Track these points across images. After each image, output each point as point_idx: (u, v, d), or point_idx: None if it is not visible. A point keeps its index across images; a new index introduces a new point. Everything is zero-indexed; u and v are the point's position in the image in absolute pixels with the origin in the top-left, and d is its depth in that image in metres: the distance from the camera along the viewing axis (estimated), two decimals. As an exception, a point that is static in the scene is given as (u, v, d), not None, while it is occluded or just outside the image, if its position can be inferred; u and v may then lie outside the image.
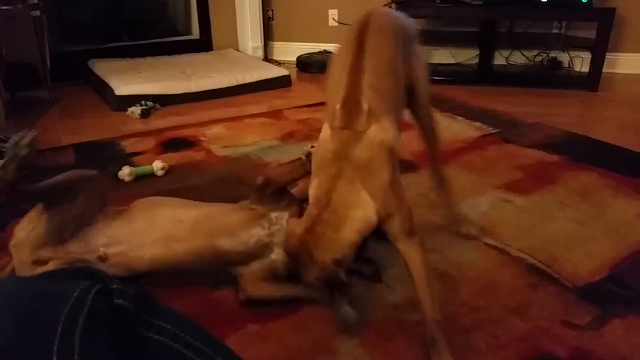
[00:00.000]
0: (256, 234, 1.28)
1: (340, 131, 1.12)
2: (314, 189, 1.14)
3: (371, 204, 1.09)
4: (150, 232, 1.26)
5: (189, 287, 1.34)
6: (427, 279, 1.14)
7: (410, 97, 1.34)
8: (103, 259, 1.24)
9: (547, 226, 1.64)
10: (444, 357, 1.09)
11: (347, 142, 1.11)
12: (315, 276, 1.11)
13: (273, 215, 1.31)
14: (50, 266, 1.22)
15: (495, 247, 1.52)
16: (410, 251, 1.14)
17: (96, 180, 1.31)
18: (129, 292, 0.66)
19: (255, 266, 1.29)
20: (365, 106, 1.13)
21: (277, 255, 1.29)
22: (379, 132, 1.12)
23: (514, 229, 1.62)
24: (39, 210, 1.24)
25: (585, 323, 1.21)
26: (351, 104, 1.14)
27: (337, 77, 1.20)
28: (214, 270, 1.32)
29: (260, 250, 1.29)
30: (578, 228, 1.62)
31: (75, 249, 1.24)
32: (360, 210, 1.09)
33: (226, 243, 1.27)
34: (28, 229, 1.23)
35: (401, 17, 1.36)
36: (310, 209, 1.12)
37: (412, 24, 1.39)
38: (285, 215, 1.31)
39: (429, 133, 1.46)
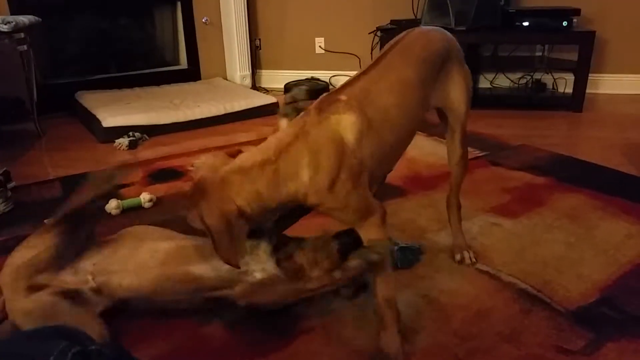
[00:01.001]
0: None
1: (312, 109, 1.15)
2: (267, 141, 1.15)
3: (305, 185, 1.08)
4: (129, 261, 1.28)
5: (177, 322, 1.32)
6: (385, 260, 1.15)
7: (442, 119, 1.42)
8: (96, 291, 1.24)
9: (537, 249, 1.63)
10: (391, 335, 1.13)
11: (311, 120, 1.12)
12: (214, 219, 1.07)
13: (247, 244, 1.28)
14: (44, 294, 1.20)
15: (487, 273, 1.51)
16: (368, 232, 1.15)
17: (95, 209, 1.35)
18: (107, 353, 0.64)
19: (243, 286, 1.27)
20: (343, 97, 1.15)
21: (261, 273, 1.26)
22: (339, 122, 1.11)
23: (504, 254, 1.61)
24: (43, 237, 1.24)
25: (578, 348, 1.20)
26: (334, 95, 1.18)
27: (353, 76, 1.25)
28: (189, 295, 1.30)
29: (237, 277, 1.26)
30: (568, 250, 1.62)
31: (69, 279, 1.24)
32: (292, 184, 1.09)
33: (197, 269, 1.27)
34: (29, 254, 1.23)
35: (440, 38, 1.36)
36: (255, 156, 1.12)
37: (454, 46, 1.40)
38: (262, 244, 1.30)
39: (456, 159, 1.50)
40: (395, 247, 1.56)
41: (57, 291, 1.22)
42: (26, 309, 1.18)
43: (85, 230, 1.29)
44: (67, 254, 1.25)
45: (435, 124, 1.55)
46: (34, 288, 1.21)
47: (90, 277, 1.25)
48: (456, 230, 1.61)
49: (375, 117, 1.15)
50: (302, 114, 1.18)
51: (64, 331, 0.67)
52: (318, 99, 1.19)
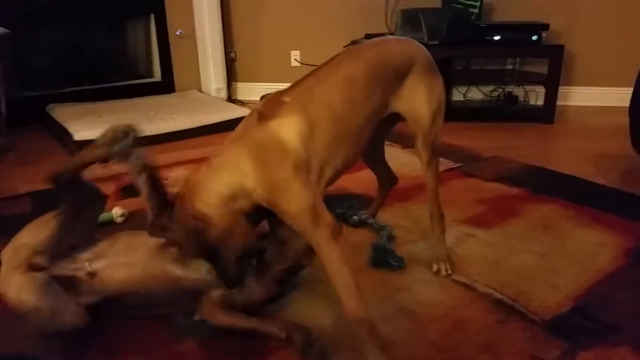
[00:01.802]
0: (205, 265, 1.29)
1: (255, 112, 1.21)
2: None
3: (252, 176, 1.12)
4: (122, 254, 1.32)
5: (151, 338, 1.29)
6: (344, 274, 1.12)
7: (412, 130, 1.45)
8: (92, 275, 1.27)
9: (511, 260, 1.65)
10: (373, 356, 1.10)
11: (253, 121, 1.18)
12: (182, 226, 1.15)
13: None
14: (38, 274, 1.23)
15: (463, 283, 1.52)
16: (321, 245, 1.13)
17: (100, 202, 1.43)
18: None
19: (215, 294, 1.31)
20: (287, 99, 1.21)
21: (237, 289, 1.29)
22: (281, 127, 1.16)
23: (479, 264, 1.62)
24: (49, 218, 1.28)
25: (553, 358, 1.21)
26: (282, 95, 1.23)
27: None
28: (174, 299, 1.32)
29: (218, 280, 1.26)
30: (541, 260, 1.64)
31: (66, 265, 1.28)
32: (238, 174, 1.13)
33: (178, 270, 1.30)
34: (35, 233, 1.28)
35: (400, 47, 1.42)
36: (199, 166, 1.19)
37: (420, 57, 1.43)
38: None
39: (423, 165, 1.51)
40: (371, 245, 1.63)
41: (53, 275, 1.25)
42: (21, 281, 1.20)
43: (87, 216, 1.34)
44: (68, 238, 1.29)
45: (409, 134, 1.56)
46: (32, 267, 1.23)
47: (87, 264, 1.28)
48: (437, 240, 1.61)
49: (320, 114, 1.20)
50: (246, 116, 1.24)
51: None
52: (263, 100, 1.26)
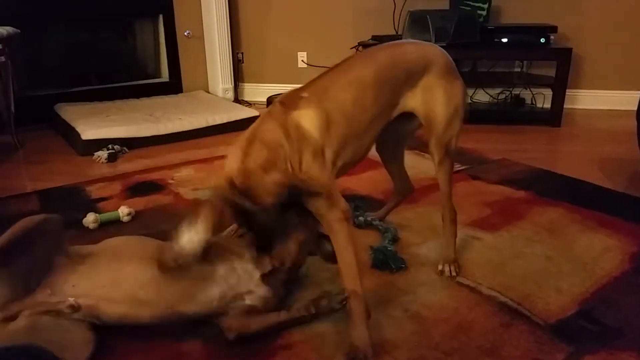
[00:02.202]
0: (215, 294, 1.26)
1: (277, 104, 1.31)
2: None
3: (284, 149, 1.23)
4: (116, 289, 1.23)
5: (155, 339, 1.29)
6: (348, 251, 1.23)
7: (427, 131, 1.48)
8: (75, 309, 1.20)
9: (516, 263, 1.64)
10: (359, 329, 1.19)
11: (278, 110, 1.29)
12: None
13: (222, 270, 1.28)
14: (21, 320, 1.17)
15: (467, 286, 1.52)
16: (332, 223, 1.24)
17: (47, 223, 1.25)
18: None
19: (234, 311, 1.27)
20: (305, 95, 1.32)
21: (251, 300, 1.28)
22: (302, 116, 1.28)
23: (484, 267, 1.62)
24: None
25: (558, 362, 1.20)
26: (300, 91, 1.34)
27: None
28: (184, 324, 1.30)
29: (229, 304, 1.27)
30: (547, 264, 1.64)
31: (44, 298, 1.20)
32: (283, 149, 1.23)
33: (189, 308, 1.25)
34: None
35: (416, 50, 1.47)
36: (234, 154, 1.25)
37: (437, 61, 1.47)
38: (249, 266, 1.30)
39: (438, 170, 1.54)
40: (371, 248, 1.65)
41: (34, 312, 1.18)
42: (7, 338, 1.14)
43: (43, 246, 1.23)
44: (29, 277, 1.20)
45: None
46: (8, 319, 1.17)
47: (72, 300, 1.21)
48: (446, 242, 1.62)
49: (333, 110, 1.31)
50: (269, 107, 1.33)
51: (33, 352, 0.65)
52: (283, 95, 1.35)
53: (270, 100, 3.98)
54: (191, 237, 1.16)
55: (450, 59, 1.51)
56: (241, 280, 1.29)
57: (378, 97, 1.38)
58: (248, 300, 1.28)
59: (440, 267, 1.58)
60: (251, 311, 1.28)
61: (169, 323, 1.26)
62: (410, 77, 1.44)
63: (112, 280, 1.23)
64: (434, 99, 1.46)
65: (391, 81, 1.41)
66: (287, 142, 1.24)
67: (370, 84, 1.37)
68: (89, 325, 1.22)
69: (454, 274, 1.56)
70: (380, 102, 1.40)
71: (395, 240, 1.75)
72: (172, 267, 1.17)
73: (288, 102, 1.31)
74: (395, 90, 1.43)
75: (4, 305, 1.18)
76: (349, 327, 1.22)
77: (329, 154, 1.30)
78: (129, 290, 1.23)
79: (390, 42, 1.50)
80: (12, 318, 1.17)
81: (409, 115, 1.50)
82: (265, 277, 1.31)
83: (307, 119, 1.28)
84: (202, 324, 1.30)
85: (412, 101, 1.46)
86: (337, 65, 1.41)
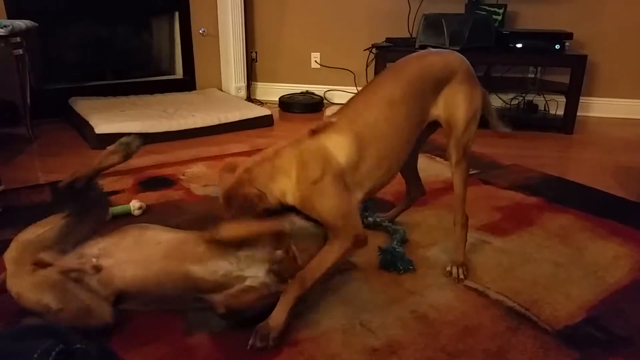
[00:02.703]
0: (224, 267, 1.31)
1: (308, 131, 1.38)
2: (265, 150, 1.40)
3: (293, 185, 1.31)
4: (134, 251, 1.32)
5: (162, 331, 1.31)
6: (329, 262, 1.29)
7: (447, 134, 1.53)
8: (98, 269, 1.27)
9: (525, 268, 1.64)
10: (280, 310, 1.25)
11: (305, 135, 1.37)
12: (238, 204, 1.32)
13: (242, 254, 1.32)
14: (48, 272, 1.24)
15: (475, 290, 1.52)
16: (336, 241, 1.30)
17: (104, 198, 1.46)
18: (92, 352, 0.63)
19: (232, 291, 1.30)
20: (334, 120, 1.38)
21: (252, 281, 1.31)
22: (328, 140, 1.35)
23: (493, 271, 1.62)
24: (54, 219, 1.30)
25: (565, 368, 1.20)
26: (330, 118, 1.40)
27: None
28: (186, 296, 1.33)
29: (232, 281, 1.31)
30: (556, 270, 1.63)
31: (73, 261, 1.28)
32: (284, 178, 1.32)
33: (196, 269, 1.30)
34: (37, 231, 1.28)
35: (440, 61, 1.50)
36: (255, 157, 1.38)
37: (460, 67, 1.51)
38: (258, 253, 1.32)
39: (455, 171, 1.56)
40: (379, 249, 1.66)
41: (62, 271, 1.25)
42: (35, 282, 1.22)
43: (92, 217, 1.34)
44: (73, 237, 1.29)
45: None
46: (39, 264, 1.24)
47: (94, 259, 1.29)
48: (456, 246, 1.62)
49: (364, 132, 1.37)
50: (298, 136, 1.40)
51: (49, 329, 0.66)
52: (317, 122, 1.40)
53: (282, 101, 3.99)
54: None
55: (470, 65, 1.55)
56: (251, 266, 1.32)
57: (410, 113, 1.43)
58: (248, 282, 1.31)
59: (448, 269, 1.58)
60: (247, 291, 1.31)
61: (173, 285, 1.30)
62: (436, 88, 1.48)
63: (132, 245, 1.32)
64: (455, 104, 1.50)
65: (421, 95, 1.45)
66: (294, 171, 1.31)
67: (401, 101, 1.41)
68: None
69: (462, 276, 1.56)
70: (412, 117, 1.45)
71: (404, 241, 1.75)
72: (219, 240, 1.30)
73: (318, 127, 1.37)
74: (425, 103, 1.47)
75: (40, 250, 1.25)
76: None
77: (357, 177, 1.36)
78: (143, 250, 1.31)
79: (414, 55, 1.52)
80: (41, 265, 1.24)
81: (430, 123, 1.54)
82: (273, 268, 1.34)
83: (334, 142, 1.34)
84: (210, 319, 1.31)
85: (437, 109, 1.51)
86: (368, 85, 1.46)
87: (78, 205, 1.31)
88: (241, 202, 1.32)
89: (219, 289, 1.30)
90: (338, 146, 1.34)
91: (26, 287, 1.22)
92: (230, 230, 1.30)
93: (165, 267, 1.30)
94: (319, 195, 1.30)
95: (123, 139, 1.42)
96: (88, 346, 0.63)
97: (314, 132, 1.36)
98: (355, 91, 4.11)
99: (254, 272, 1.31)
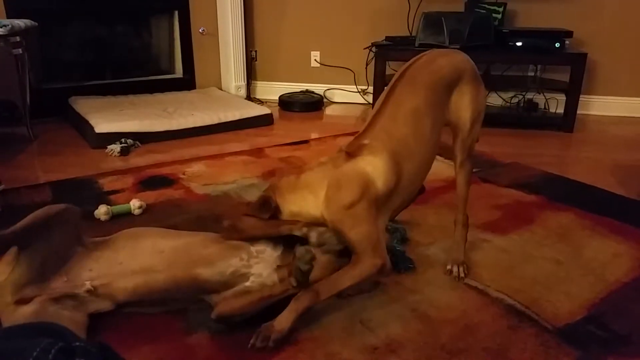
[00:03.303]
0: (234, 264, 1.31)
1: (344, 151, 1.37)
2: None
3: (320, 205, 1.31)
4: (132, 262, 1.29)
5: (162, 330, 1.31)
6: (350, 278, 1.27)
7: (453, 134, 1.53)
8: (92, 292, 1.25)
9: (525, 266, 1.64)
10: (286, 316, 1.24)
11: (341, 156, 1.36)
12: (254, 204, 1.35)
13: (254, 248, 1.34)
14: (34, 303, 1.20)
15: (475, 288, 1.52)
16: (360, 265, 1.28)
17: (67, 213, 1.30)
18: (92, 351, 0.63)
19: (228, 293, 1.31)
20: (366, 142, 1.35)
21: (252, 282, 1.32)
22: (368, 164, 1.32)
23: (493, 270, 1.62)
24: (14, 253, 1.22)
25: (565, 366, 1.20)
26: (361, 138, 1.37)
27: (369, 116, 1.44)
28: (190, 298, 1.34)
29: (236, 280, 1.31)
30: (556, 268, 1.63)
31: (60, 285, 1.24)
32: (310, 197, 1.33)
33: (205, 272, 1.30)
34: (7, 271, 1.22)
35: (448, 63, 1.48)
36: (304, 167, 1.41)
37: (467, 67, 1.50)
38: (267, 249, 1.34)
39: (458, 171, 1.57)
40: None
41: (48, 299, 1.22)
42: (15, 320, 1.17)
43: (61, 235, 1.27)
44: (46, 264, 1.24)
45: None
46: (22, 302, 1.20)
47: (87, 283, 1.25)
48: (456, 245, 1.62)
49: (397, 149, 1.35)
50: (335, 155, 1.39)
51: (48, 328, 0.66)
52: (345, 145, 1.38)
53: (282, 99, 3.99)
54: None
55: (474, 65, 1.54)
56: (260, 263, 1.33)
57: (434, 123, 1.42)
58: (249, 282, 1.32)
59: (448, 267, 1.58)
60: (240, 296, 1.30)
61: (178, 290, 1.30)
62: (448, 91, 1.48)
63: (129, 256, 1.29)
64: (462, 105, 1.50)
65: (439, 102, 1.45)
66: (323, 190, 1.31)
67: (425, 113, 1.40)
68: (86, 314, 1.26)
69: (462, 275, 1.56)
70: (436, 126, 1.44)
71: (404, 240, 1.75)
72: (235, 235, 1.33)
73: (352, 150, 1.35)
74: (442, 109, 1.47)
75: (19, 288, 1.21)
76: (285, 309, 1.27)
77: (390, 199, 1.35)
78: (143, 260, 1.29)
79: (422, 60, 1.48)
80: (25, 302, 1.20)
81: None
82: (280, 269, 1.34)
83: (373, 167, 1.31)
84: (210, 319, 1.32)
85: (449, 113, 1.51)
86: (385, 101, 1.41)
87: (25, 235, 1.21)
88: (257, 202, 1.36)
89: (223, 287, 1.31)
90: (377, 171, 1.31)
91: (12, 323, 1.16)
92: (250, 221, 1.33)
93: (172, 275, 1.29)
94: (350, 220, 1.29)
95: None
96: (88, 344, 0.63)
97: (349, 155, 1.34)
98: (355, 90, 4.12)
99: (259, 269, 1.32)
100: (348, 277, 1.28)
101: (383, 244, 1.32)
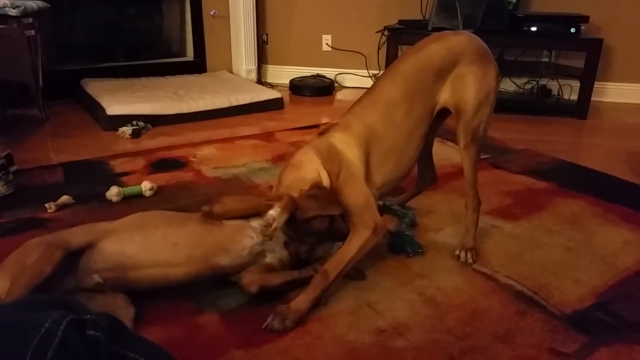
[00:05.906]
0: (247, 245, 1.34)
1: (317, 134, 1.49)
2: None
3: (324, 173, 1.39)
4: (144, 255, 1.28)
5: (172, 309, 1.32)
6: (352, 251, 1.33)
7: (455, 118, 1.52)
8: (102, 286, 1.25)
9: (535, 253, 1.63)
10: (303, 298, 1.27)
11: (313, 139, 1.48)
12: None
13: (255, 223, 1.35)
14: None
15: (484, 273, 1.51)
16: (357, 229, 1.35)
17: (52, 251, 1.19)
18: (102, 323, 0.64)
19: (253, 268, 1.36)
20: (336, 122, 1.47)
21: (271, 258, 1.37)
22: (334, 138, 1.44)
23: (502, 255, 1.61)
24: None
25: (572, 351, 1.20)
26: (333, 121, 1.49)
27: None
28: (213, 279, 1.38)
29: (254, 259, 1.36)
30: (566, 255, 1.62)
31: (68, 283, 1.22)
32: (312, 168, 1.40)
33: (224, 260, 1.33)
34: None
35: (442, 47, 1.48)
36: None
37: (467, 49, 1.49)
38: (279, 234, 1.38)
39: (463, 155, 1.55)
40: (388, 232, 1.63)
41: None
42: None
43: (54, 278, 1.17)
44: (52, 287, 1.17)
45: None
46: None
47: (96, 276, 1.24)
48: (467, 230, 1.61)
49: (364, 132, 1.44)
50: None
51: (59, 300, 0.67)
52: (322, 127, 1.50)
53: (293, 83, 3.98)
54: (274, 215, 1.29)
55: (483, 43, 1.52)
56: (272, 243, 1.37)
57: (410, 110, 1.46)
58: (268, 259, 1.37)
59: (457, 252, 1.58)
60: (268, 269, 1.37)
61: (201, 277, 1.33)
62: (439, 76, 1.47)
63: (139, 250, 1.28)
64: (464, 87, 1.47)
65: (420, 89, 1.47)
66: (318, 158, 1.40)
67: (398, 102, 1.45)
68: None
69: (470, 260, 1.56)
70: (414, 113, 1.47)
71: (413, 225, 1.75)
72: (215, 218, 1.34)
73: (323, 129, 1.47)
74: (428, 94, 1.48)
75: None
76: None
77: (367, 173, 1.42)
78: (157, 254, 1.29)
79: (414, 47, 1.52)
80: None
81: (442, 109, 1.54)
82: (288, 243, 1.40)
83: (339, 140, 1.42)
84: (218, 298, 1.33)
85: (444, 95, 1.50)
86: (369, 89, 1.51)
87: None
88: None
89: (243, 268, 1.35)
90: (343, 143, 1.42)
91: None
92: (229, 203, 1.36)
93: (194, 269, 1.31)
94: (346, 186, 1.38)
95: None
96: (98, 317, 0.64)
97: (320, 134, 1.46)
98: (367, 74, 4.09)
99: (271, 245, 1.36)
100: (350, 249, 1.33)
101: (373, 206, 1.39)
